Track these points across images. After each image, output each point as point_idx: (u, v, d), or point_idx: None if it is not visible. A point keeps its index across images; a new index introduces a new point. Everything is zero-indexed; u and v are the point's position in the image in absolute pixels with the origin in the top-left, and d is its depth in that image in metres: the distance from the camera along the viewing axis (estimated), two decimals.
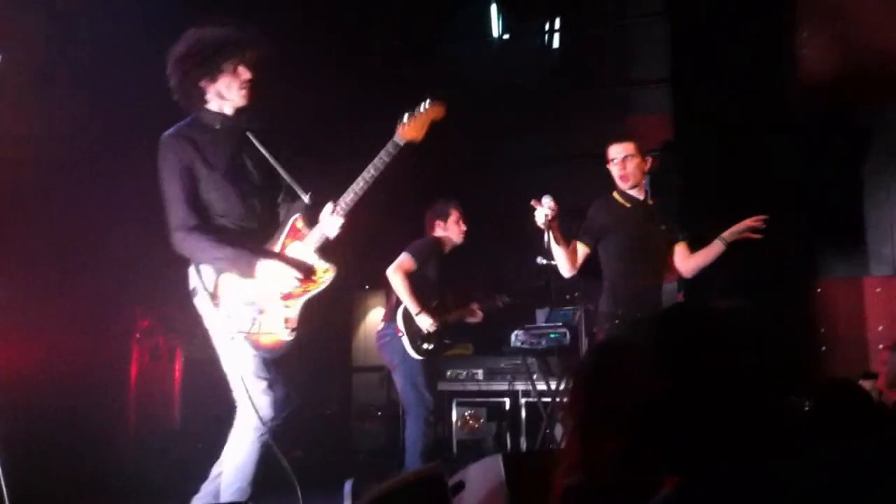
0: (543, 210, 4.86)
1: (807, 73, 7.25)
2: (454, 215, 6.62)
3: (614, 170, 5.32)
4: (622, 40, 8.83)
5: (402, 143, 4.28)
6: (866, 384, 5.66)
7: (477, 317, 6.89)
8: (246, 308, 4.12)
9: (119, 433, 6.83)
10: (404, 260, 6.39)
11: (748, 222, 5.31)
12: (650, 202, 5.43)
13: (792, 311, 7.01)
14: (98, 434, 6.32)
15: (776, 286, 7.08)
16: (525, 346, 7.71)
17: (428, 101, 4.34)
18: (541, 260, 7.00)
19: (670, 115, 7.64)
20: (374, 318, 9.20)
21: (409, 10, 8.19)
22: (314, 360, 8.45)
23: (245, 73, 4.19)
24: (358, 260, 7.31)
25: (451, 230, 6.62)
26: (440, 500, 3.09)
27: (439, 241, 6.60)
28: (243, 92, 4.22)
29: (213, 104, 4.25)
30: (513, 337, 7.82)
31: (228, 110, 4.27)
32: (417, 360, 6.33)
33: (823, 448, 1.75)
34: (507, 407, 8.02)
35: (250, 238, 4.19)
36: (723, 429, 1.66)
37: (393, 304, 6.51)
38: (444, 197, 6.68)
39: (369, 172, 4.22)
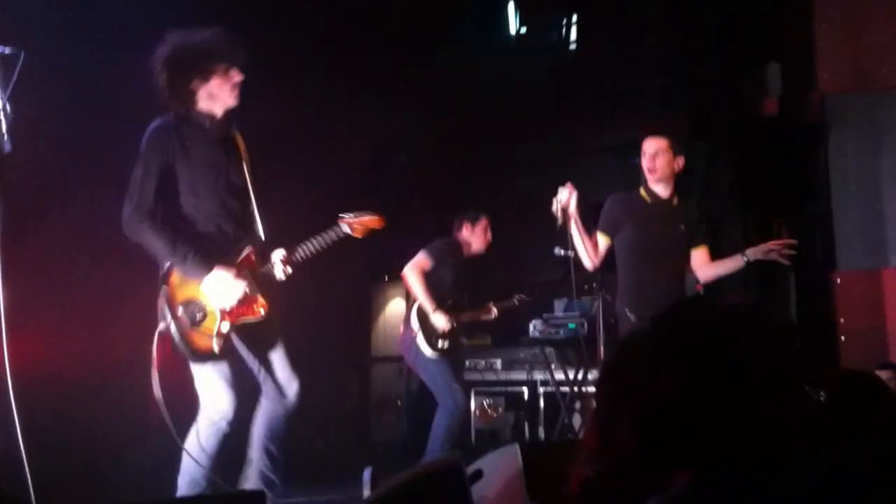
0: (558, 198, 4.91)
1: (825, 62, 7.21)
2: (483, 223, 6.75)
3: (644, 163, 5.31)
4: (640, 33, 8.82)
5: (343, 234, 4.58)
6: (884, 374, 5.66)
7: (492, 315, 6.95)
8: (188, 306, 4.19)
9: (143, 426, 6.88)
10: (421, 259, 6.50)
11: (773, 245, 5.31)
12: (675, 202, 5.41)
13: (810, 303, 7.01)
14: (122, 427, 6.37)
15: (794, 277, 7.08)
16: (543, 336, 7.73)
17: (370, 213, 4.67)
18: (559, 251, 7.02)
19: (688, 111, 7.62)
20: (393, 309, 9.24)
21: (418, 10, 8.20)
22: (333, 352, 8.51)
23: (236, 76, 4.29)
24: (376, 252, 7.38)
25: (476, 236, 6.73)
26: (458, 489, 3.11)
27: (458, 244, 6.72)
28: (235, 93, 4.31)
29: (203, 104, 4.32)
30: (531, 327, 7.84)
31: (218, 111, 4.34)
32: (433, 357, 6.44)
33: (838, 442, 1.76)
34: (526, 397, 8.04)
35: (222, 240, 4.30)
36: (734, 426, 1.67)
37: (411, 304, 6.61)
38: (471, 198, 6.82)
39: (312, 245, 4.50)
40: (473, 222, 6.72)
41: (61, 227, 6.25)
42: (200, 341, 4.19)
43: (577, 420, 7.23)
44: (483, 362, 8.25)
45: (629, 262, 5.27)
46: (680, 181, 5.42)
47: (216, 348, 4.18)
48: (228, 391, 4.24)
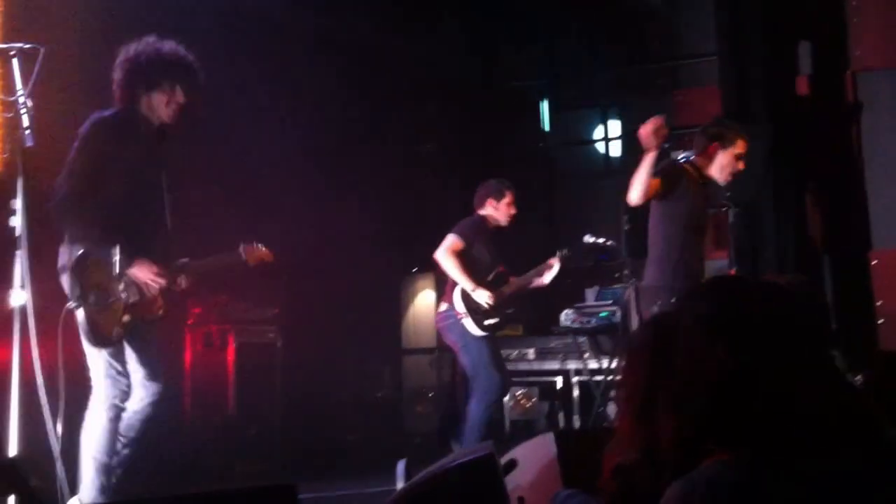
0: (653, 122, 4.91)
1: (858, 40, 7.12)
2: (508, 197, 6.62)
3: (735, 163, 5.30)
4: (671, 13, 8.77)
5: (238, 260, 4.79)
6: None
7: (544, 278, 6.77)
8: (96, 291, 4.23)
9: (173, 419, 6.93)
10: (452, 241, 6.40)
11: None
12: (713, 186, 5.46)
13: (846, 284, 6.93)
14: (152, 420, 6.41)
15: (829, 258, 7.00)
16: (575, 325, 7.70)
17: (263, 247, 4.90)
18: (588, 238, 6.99)
19: (718, 88, 7.54)
20: (423, 300, 9.23)
21: None
22: (364, 345, 8.53)
23: (179, 96, 4.41)
24: (405, 243, 7.38)
25: (500, 210, 6.61)
26: (492, 479, 3.10)
27: (485, 220, 6.61)
28: (170, 112, 4.43)
29: (143, 109, 4.43)
30: (562, 316, 7.82)
31: (154, 121, 4.46)
32: (482, 337, 6.34)
33: (879, 426, 1.73)
34: (559, 386, 8.01)
35: (141, 236, 4.36)
36: (774, 410, 1.64)
37: (450, 285, 6.52)
38: (497, 178, 6.70)
39: (211, 262, 4.73)
40: (498, 198, 6.63)
41: None
42: (104, 327, 4.25)
43: (611, 409, 7.19)
44: (515, 352, 8.22)
45: (676, 235, 5.17)
46: None
47: (115, 336, 4.26)
48: (116, 381, 4.28)
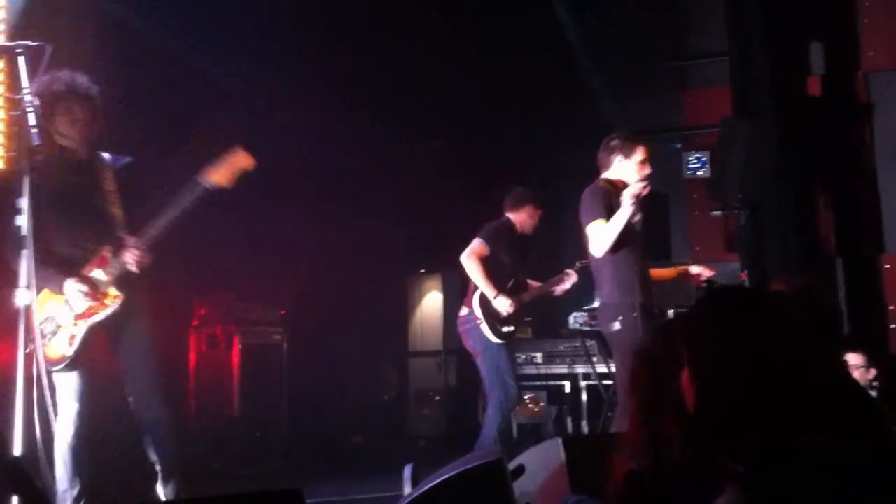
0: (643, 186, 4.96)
1: (869, 39, 7.10)
2: (530, 208, 6.69)
3: (642, 169, 5.32)
4: (680, 12, 8.75)
5: (207, 187, 4.41)
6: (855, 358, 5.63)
7: (565, 284, 6.80)
8: (45, 324, 4.32)
9: (178, 421, 6.93)
10: (477, 245, 6.42)
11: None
12: None
13: (858, 289, 6.90)
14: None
15: (841, 262, 6.97)
16: (584, 327, 7.68)
17: (234, 149, 4.47)
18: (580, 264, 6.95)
19: (729, 88, 7.52)
20: (430, 302, 9.23)
21: None
22: (370, 346, 8.53)
23: (78, 111, 4.40)
24: (412, 244, 7.38)
25: (524, 219, 6.67)
26: (500, 485, 3.10)
27: (511, 224, 6.65)
28: (77, 126, 4.41)
29: (59, 139, 4.44)
30: (571, 319, 7.80)
31: (70, 143, 4.47)
32: (499, 344, 6.38)
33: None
34: (568, 390, 8.00)
35: (80, 257, 4.40)
36: (783, 416, 1.64)
37: (472, 289, 6.54)
38: (522, 186, 6.78)
39: (171, 212, 4.38)
40: (522, 207, 6.66)
41: None
42: (56, 351, 4.32)
43: (620, 414, 7.18)
44: (524, 356, 8.21)
45: (628, 254, 5.24)
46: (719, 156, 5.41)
47: (71, 353, 4.31)
48: (74, 402, 4.32)
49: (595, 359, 7.60)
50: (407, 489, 4.98)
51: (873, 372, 5.65)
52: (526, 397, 8.10)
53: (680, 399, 2.24)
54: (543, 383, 8.13)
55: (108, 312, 4.41)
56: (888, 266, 6.80)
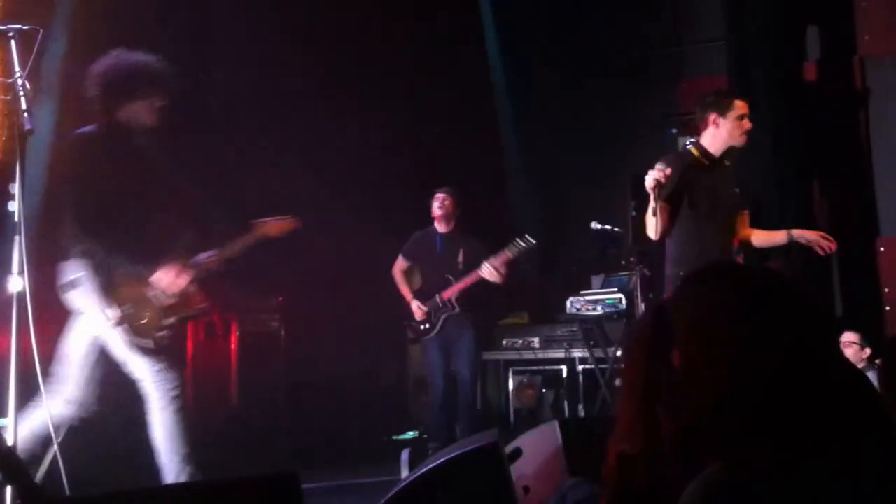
0: (654, 174, 4.81)
1: (865, 25, 7.06)
2: (434, 202, 7.07)
3: (740, 124, 5.16)
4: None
5: (261, 237, 4.78)
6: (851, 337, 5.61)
7: (492, 276, 6.82)
8: (131, 307, 4.36)
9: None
10: (397, 261, 7.21)
11: (819, 236, 5.30)
12: (727, 163, 5.32)
13: (853, 272, 6.87)
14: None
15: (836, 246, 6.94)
16: (581, 312, 7.66)
17: (289, 219, 4.92)
18: (595, 225, 6.96)
19: (726, 76, 7.47)
20: None
21: None
22: (368, 333, 8.49)
23: (159, 101, 4.52)
24: (411, 232, 7.35)
25: (435, 216, 7.08)
26: (497, 468, 3.09)
27: (430, 231, 7.12)
28: (154, 116, 4.52)
29: (122, 118, 4.49)
30: (568, 304, 7.78)
31: (136, 127, 4.53)
32: (424, 343, 7.03)
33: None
34: (564, 375, 7.97)
35: (140, 247, 4.41)
36: (775, 402, 1.61)
37: None
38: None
39: (226, 251, 4.68)
40: (433, 200, 7.08)
41: None
42: (145, 335, 4.39)
43: (617, 397, 7.16)
44: (520, 341, 8.18)
45: (686, 225, 5.10)
46: None
47: (157, 340, 4.40)
48: (84, 382, 4.34)
49: (592, 343, 7.58)
50: (405, 473, 4.99)
51: (868, 351, 5.64)
52: (522, 382, 8.09)
53: (673, 382, 2.22)
54: (540, 368, 8.10)
55: (191, 315, 4.69)
56: (882, 249, 6.77)
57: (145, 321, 4.36)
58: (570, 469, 3.24)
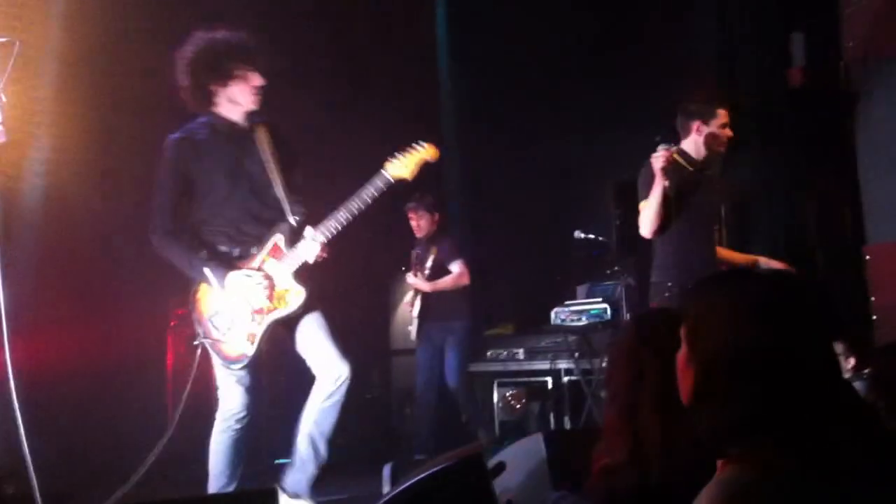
0: (664, 153, 4.81)
1: (851, 30, 7.08)
2: (409, 215, 7.37)
3: (722, 133, 5.16)
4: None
5: (391, 180, 4.39)
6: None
7: (418, 285, 7.25)
8: (216, 318, 4.27)
9: (157, 422, 6.88)
10: None
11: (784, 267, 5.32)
12: (708, 172, 5.32)
13: (840, 280, 6.88)
14: (135, 425, 6.37)
15: (822, 253, 6.95)
16: (566, 323, 7.65)
17: (423, 143, 4.48)
18: (579, 234, 6.96)
19: (712, 81, 7.49)
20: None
21: None
22: (352, 344, 8.47)
23: (256, 79, 4.33)
24: (394, 242, 7.35)
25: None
26: (480, 482, 3.07)
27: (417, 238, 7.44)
28: (254, 98, 4.36)
29: (223, 108, 4.37)
30: (552, 314, 7.77)
31: (237, 115, 4.39)
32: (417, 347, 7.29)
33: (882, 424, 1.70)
34: (550, 386, 7.96)
35: (242, 242, 4.32)
36: (776, 407, 1.61)
37: None
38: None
39: (354, 204, 4.33)
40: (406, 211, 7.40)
41: (64, 221, 6.24)
42: (233, 349, 4.26)
43: (602, 409, 7.15)
44: (505, 352, 8.17)
45: (671, 232, 5.08)
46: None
47: (252, 352, 4.24)
48: (238, 390, 4.22)
49: (577, 354, 7.57)
50: (386, 488, 4.96)
51: (852, 361, 5.64)
52: (508, 394, 8.07)
53: (659, 391, 2.22)
54: (526, 379, 8.08)
55: (290, 310, 4.31)
56: (869, 256, 6.78)
57: (231, 335, 4.26)
58: (554, 482, 3.23)
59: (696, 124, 5.16)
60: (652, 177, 4.96)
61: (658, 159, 4.81)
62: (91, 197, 6.35)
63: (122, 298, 6.64)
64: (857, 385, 4.09)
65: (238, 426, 4.30)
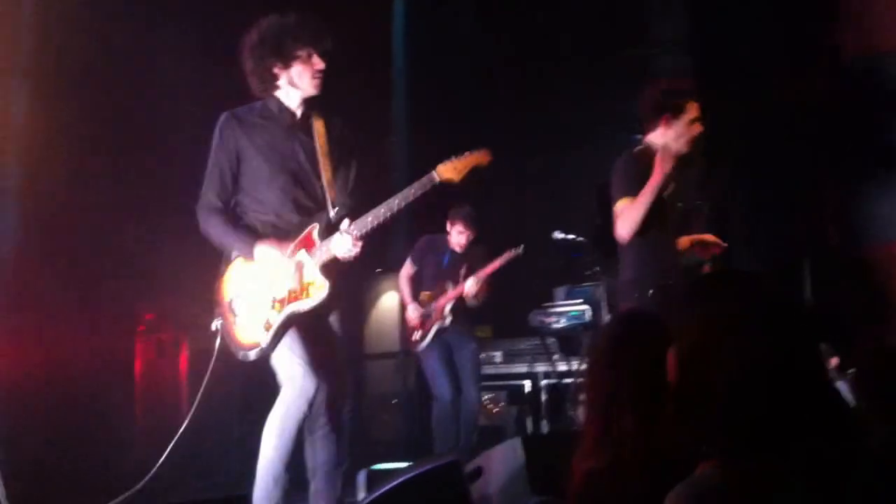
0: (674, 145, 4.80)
1: (845, 20, 7.06)
2: (457, 226, 7.04)
3: (691, 128, 5.09)
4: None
5: (437, 181, 4.19)
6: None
7: (468, 290, 6.92)
8: (234, 301, 4.17)
9: (125, 430, 6.82)
10: (405, 266, 7.25)
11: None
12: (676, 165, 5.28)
13: (850, 278, 6.85)
14: (103, 432, 6.31)
15: (830, 251, 6.91)
16: (543, 326, 7.64)
17: (478, 150, 4.30)
18: (558, 234, 6.94)
19: (691, 78, 7.48)
20: (386, 302, 9.16)
21: None
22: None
23: (318, 63, 4.25)
24: (368, 243, 7.30)
25: (452, 235, 7.10)
26: (457, 488, 3.06)
27: (443, 239, 7.14)
28: (315, 82, 4.26)
29: (284, 93, 4.30)
30: (531, 317, 7.75)
31: (296, 102, 4.31)
32: (424, 350, 6.97)
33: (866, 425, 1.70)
34: (528, 390, 7.94)
35: (281, 229, 4.18)
36: (756, 413, 1.60)
37: None
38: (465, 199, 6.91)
39: (396, 202, 4.12)
40: (451, 224, 7.09)
41: (29, 227, 6.18)
42: (247, 336, 4.12)
43: (580, 412, 7.14)
44: (483, 356, 8.14)
45: (661, 233, 5.02)
46: None
47: (267, 342, 4.07)
48: (306, 369, 4.06)
49: (555, 357, 7.56)
50: (361, 495, 4.93)
51: (835, 361, 5.64)
52: (485, 398, 8.03)
53: (638, 394, 2.20)
54: (504, 383, 8.06)
55: (311, 303, 4.11)
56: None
57: (246, 320, 4.15)
58: (532, 487, 3.21)
59: (664, 118, 5.09)
60: (636, 174, 4.88)
61: (668, 161, 4.73)
62: (56, 201, 6.29)
63: (89, 304, 6.57)
64: (840, 385, 4.10)
65: (306, 408, 4.13)
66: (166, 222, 6.28)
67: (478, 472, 3.39)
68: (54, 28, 6.07)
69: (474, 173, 4.26)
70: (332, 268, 4.17)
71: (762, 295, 1.71)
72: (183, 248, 6.84)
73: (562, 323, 7.57)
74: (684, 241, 5.36)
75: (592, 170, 6.96)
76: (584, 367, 6.97)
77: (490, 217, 6.97)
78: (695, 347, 1.69)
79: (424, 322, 6.96)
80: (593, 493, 2.19)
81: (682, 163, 5.14)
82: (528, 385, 7.93)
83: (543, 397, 7.78)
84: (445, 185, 4.23)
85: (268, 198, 4.20)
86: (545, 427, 7.64)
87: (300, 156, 4.28)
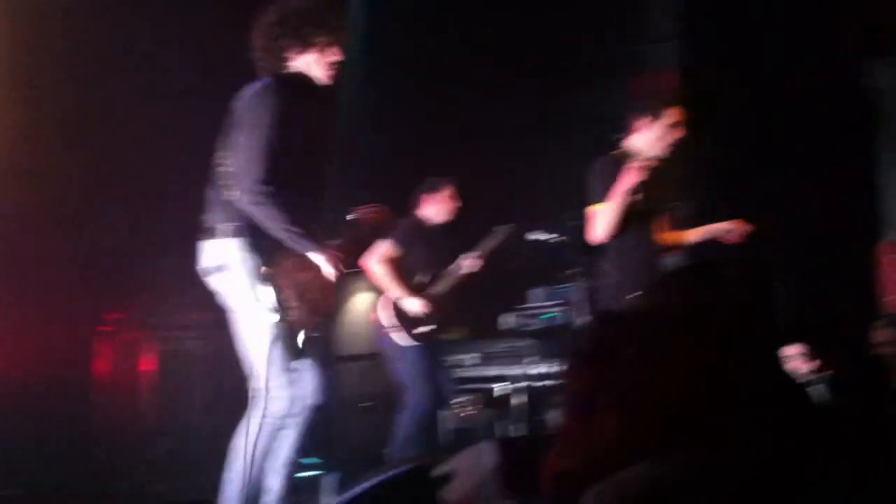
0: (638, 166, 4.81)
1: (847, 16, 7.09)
2: (445, 191, 6.65)
3: (671, 132, 5.13)
4: None
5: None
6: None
7: (467, 268, 6.74)
8: (282, 294, 4.01)
9: (90, 434, 6.78)
10: (385, 247, 6.42)
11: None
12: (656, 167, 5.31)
13: (845, 278, 6.88)
14: (68, 436, 6.28)
15: (827, 251, 6.93)
16: (519, 327, 7.63)
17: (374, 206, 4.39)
18: (534, 235, 6.92)
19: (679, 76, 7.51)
20: (357, 303, 9.13)
21: None
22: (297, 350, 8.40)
23: (335, 54, 4.15)
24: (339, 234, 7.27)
25: (439, 206, 6.62)
26: (425, 493, 3.04)
27: (420, 221, 6.68)
28: (330, 73, 4.17)
29: (297, 67, 4.17)
30: (507, 318, 7.74)
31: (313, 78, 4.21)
32: (412, 347, 6.42)
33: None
34: (502, 392, 7.91)
35: (306, 214, 4.06)
36: (742, 405, 1.61)
37: (383, 294, 6.57)
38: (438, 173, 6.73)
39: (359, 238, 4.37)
40: (431, 192, 6.65)
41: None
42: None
43: (554, 415, 7.14)
44: (458, 357, 8.12)
45: (637, 237, 5.06)
46: None
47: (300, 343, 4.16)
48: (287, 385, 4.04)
49: (530, 359, 7.54)
50: (327, 500, 4.91)
51: (817, 362, 5.65)
52: (460, 400, 8.00)
53: (617, 396, 2.20)
54: (479, 386, 8.04)
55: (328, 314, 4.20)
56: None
57: (294, 318, 4.05)
58: (505, 491, 3.19)
59: (646, 119, 5.16)
60: (609, 178, 4.96)
61: (639, 166, 4.79)
62: (19, 200, 6.25)
63: (52, 303, 6.53)
64: (820, 387, 4.10)
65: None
66: (137, 220, 6.25)
67: (447, 477, 3.36)
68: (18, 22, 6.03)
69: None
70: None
71: (715, 293, 1.72)
72: (152, 246, 6.82)
73: (535, 325, 7.56)
74: (697, 233, 5.41)
75: (572, 169, 6.96)
76: (562, 368, 6.98)
77: (465, 216, 6.92)
78: (644, 344, 1.71)
79: (427, 315, 6.49)
80: (568, 493, 2.18)
81: (661, 166, 5.18)
82: (502, 387, 7.90)
83: (519, 400, 7.76)
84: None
85: (301, 175, 4.07)
86: (520, 430, 7.63)
87: (322, 137, 4.21)
